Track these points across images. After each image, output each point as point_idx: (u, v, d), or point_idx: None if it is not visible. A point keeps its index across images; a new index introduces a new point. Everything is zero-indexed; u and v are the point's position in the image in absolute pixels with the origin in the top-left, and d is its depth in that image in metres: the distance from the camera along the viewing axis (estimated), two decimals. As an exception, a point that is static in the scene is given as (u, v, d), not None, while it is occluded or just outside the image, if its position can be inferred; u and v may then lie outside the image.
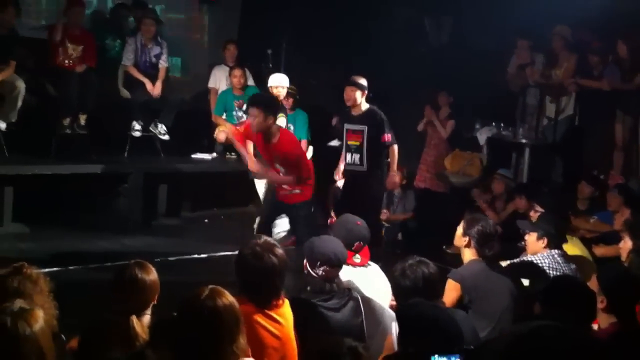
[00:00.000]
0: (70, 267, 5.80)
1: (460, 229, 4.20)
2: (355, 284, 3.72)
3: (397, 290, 3.41)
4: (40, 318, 2.16)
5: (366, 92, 6.35)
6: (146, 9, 8.21)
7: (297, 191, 5.75)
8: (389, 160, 6.53)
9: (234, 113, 8.08)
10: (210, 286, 2.57)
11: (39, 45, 7.49)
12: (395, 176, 6.64)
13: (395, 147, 6.41)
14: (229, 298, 2.54)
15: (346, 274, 3.66)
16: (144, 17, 7.83)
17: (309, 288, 3.44)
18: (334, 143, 8.46)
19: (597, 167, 7.66)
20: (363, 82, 6.37)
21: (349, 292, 3.47)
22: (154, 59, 7.81)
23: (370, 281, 3.87)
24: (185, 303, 2.53)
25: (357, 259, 3.92)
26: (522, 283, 4.39)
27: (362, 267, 3.94)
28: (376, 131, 6.28)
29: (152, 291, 3.00)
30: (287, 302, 3.12)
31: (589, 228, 6.37)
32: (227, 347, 2.47)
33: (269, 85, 7.08)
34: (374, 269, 4.03)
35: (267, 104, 5.69)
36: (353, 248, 3.88)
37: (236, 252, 3.17)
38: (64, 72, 7.21)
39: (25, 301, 2.21)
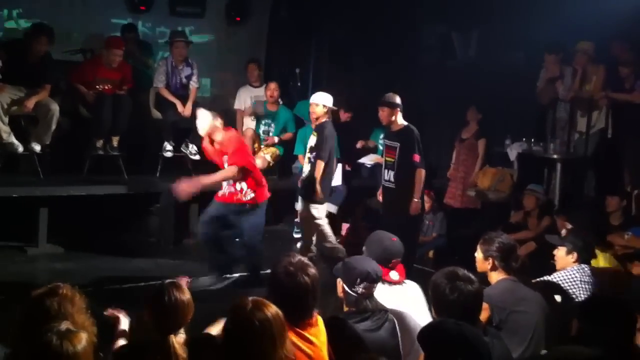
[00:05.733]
0: (104, 287, 5.87)
1: (479, 254, 4.08)
2: (387, 303, 3.66)
3: (441, 303, 3.17)
4: (84, 339, 2.23)
5: (398, 109, 6.34)
6: (175, 32, 8.36)
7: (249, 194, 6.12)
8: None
9: (261, 127, 8.20)
10: (251, 297, 2.64)
11: (73, 68, 7.67)
12: (417, 202, 6.27)
13: (422, 171, 6.28)
14: (273, 306, 2.63)
15: (383, 292, 3.65)
16: (174, 39, 7.96)
17: (345, 309, 3.44)
18: (365, 160, 8.54)
19: (632, 181, 7.56)
20: (394, 100, 6.35)
21: (385, 312, 3.46)
22: (184, 80, 7.93)
23: (407, 299, 3.83)
24: (234, 317, 2.60)
25: (395, 276, 3.86)
26: (555, 299, 4.34)
27: (398, 285, 3.89)
28: (407, 149, 6.25)
29: (187, 311, 3.06)
30: (320, 322, 3.12)
31: (623, 244, 6.27)
32: (280, 351, 2.57)
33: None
34: (411, 286, 3.97)
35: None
36: (389, 265, 3.85)
37: (268, 271, 3.19)
38: (97, 94, 7.34)
39: (70, 323, 2.27)
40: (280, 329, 2.59)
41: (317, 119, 6.75)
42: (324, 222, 6.85)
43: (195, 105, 7.89)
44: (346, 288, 3.44)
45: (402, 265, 3.96)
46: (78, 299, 2.78)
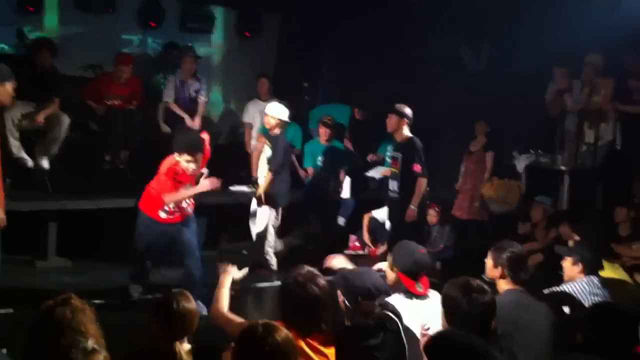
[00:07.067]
0: (113, 300, 5.89)
1: (489, 261, 4.05)
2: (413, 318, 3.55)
3: (456, 316, 3.13)
4: (102, 357, 2.25)
5: (406, 120, 6.40)
6: (185, 48, 8.44)
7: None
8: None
9: None
10: (261, 322, 2.56)
11: (83, 84, 7.74)
12: (413, 210, 6.31)
13: (424, 181, 6.34)
14: (284, 330, 2.55)
15: (408, 306, 3.59)
16: (184, 54, 8.04)
17: (348, 324, 3.39)
18: (372, 173, 8.57)
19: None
20: (403, 110, 6.43)
21: (387, 323, 3.37)
22: (193, 94, 7.99)
23: (433, 311, 3.63)
24: (244, 343, 2.50)
25: (420, 288, 3.77)
26: (563, 311, 4.32)
27: (425, 298, 3.76)
28: (408, 160, 6.33)
29: (193, 320, 3.12)
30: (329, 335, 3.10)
31: (632, 255, 6.26)
32: None
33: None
34: (436, 296, 3.78)
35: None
36: (417, 277, 3.77)
37: (274, 283, 3.20)
38: (107, 109, 7.40)
39: (96, 341, 2.29)
40: (291, 353, 2.50)
41: (270, 129, 6.95)
42: (271, 229, 7.15)
43: (204, 119, 7.98)
44: (347, 303, 3.36)
45: (426, 277, 3.86)
46: (88, 310, 2.81)
